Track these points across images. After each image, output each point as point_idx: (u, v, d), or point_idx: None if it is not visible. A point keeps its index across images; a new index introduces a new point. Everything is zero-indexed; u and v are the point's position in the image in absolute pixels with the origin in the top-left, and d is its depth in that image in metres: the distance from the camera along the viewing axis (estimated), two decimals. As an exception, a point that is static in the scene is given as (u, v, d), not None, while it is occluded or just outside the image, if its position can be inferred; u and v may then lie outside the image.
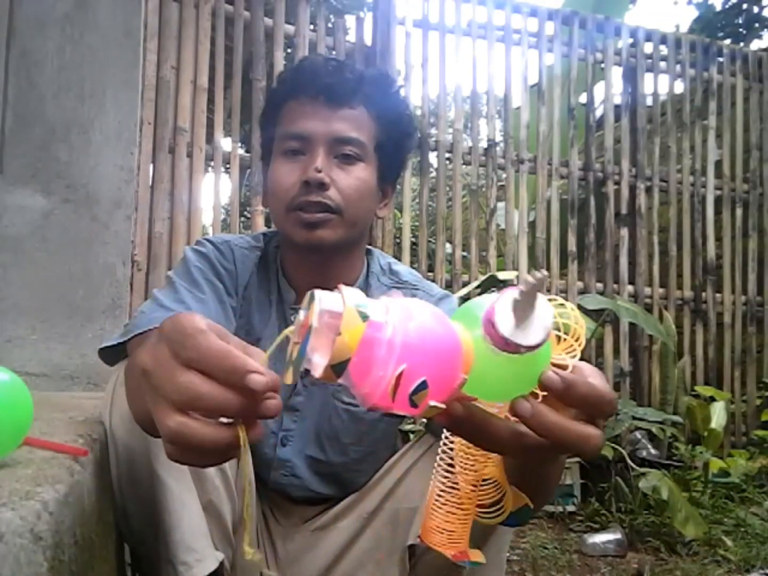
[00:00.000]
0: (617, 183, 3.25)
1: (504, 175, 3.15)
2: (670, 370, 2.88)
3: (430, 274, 2.88)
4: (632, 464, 2.39)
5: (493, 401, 0.45)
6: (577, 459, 2.35)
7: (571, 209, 3.15)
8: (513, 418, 0.44)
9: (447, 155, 3.04)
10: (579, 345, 0.45)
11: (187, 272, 0.89)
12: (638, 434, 2.69)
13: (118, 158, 1.51)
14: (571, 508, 2.44)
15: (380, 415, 0.94)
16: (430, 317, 0.39)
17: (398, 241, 3.23)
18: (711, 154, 3.40)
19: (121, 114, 1.52)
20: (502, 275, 2.77)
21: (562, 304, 0.43)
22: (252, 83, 2.70)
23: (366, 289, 0.97)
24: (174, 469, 0.69)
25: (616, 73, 3.34)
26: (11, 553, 0.38)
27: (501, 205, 3.26)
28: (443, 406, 0.38)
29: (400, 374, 0.36)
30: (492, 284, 2.71)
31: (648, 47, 3.36)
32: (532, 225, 3.16)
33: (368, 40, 2.95)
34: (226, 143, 2.74)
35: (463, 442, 0.52)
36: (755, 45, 6.33)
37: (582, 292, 3.09)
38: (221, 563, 0.70)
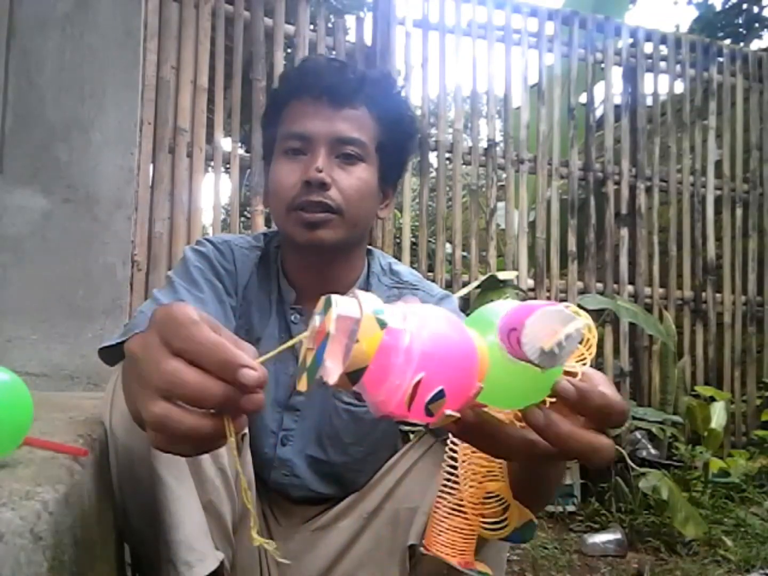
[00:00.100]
0: (617, 183, 3.25)
1: (504, 175, 3.15)
2: (670, 370, 2.88)
3: (430, 274, 2.87)
4: (632, 464, 2.39)
5: (506, 409, 0.45)
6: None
7: (571, 209, 3.15)
8: (520, 424, 0.44)
9: (447, 155, 3.03)
10: (590, 354, 0.45)
11: (187, 272, 0.89)
12: (638, 434, 2.69)
13: (118, 158, 1.51)
14: (571, 508, 2.44)
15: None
16: (447, 325, 0.38)
17: (398, 241, 3.23)
18: (711, 154, 3.40)
19: (121, 114, 1.51)
20: (502, 275, 2.77)
21: (576, 312, 0.43)
22: (252, 83, 2.70)
23: (366, 289, 0.97)
24: (174, 469, 0.69)
25: (616, 73, 3.34)
26: (11, 553, 0.38)
27: (501, 205, 3.26)
28: (458, 414, 0.38)
29: (418, 383, 0.36)
30: (492, 284, 2.71)
31: (648, 47, 3.36)
32: (532, 225, 3.16)
33: (368, 40, 2.95)
34: (226, 143, 2.74)
35: (468, 452, 0.52)
36: (755, 45, 6.34)
37: (582, 292, 3.09)
38: (221, 563, 0.70)
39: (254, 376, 0.38)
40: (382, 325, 0.36)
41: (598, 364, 2.99)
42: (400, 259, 2.34)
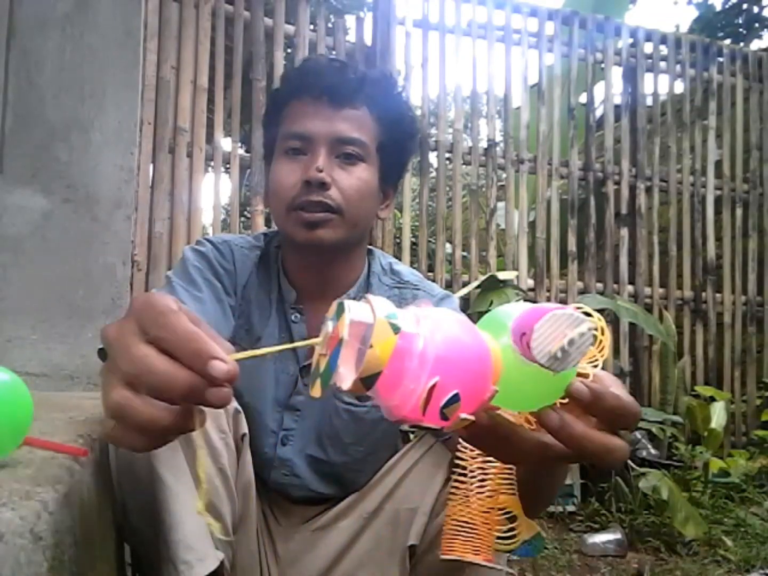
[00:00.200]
0: (617, 183, 3.25)
1: (504, 175, 3.15)
2: (670, 370, 2.88)
3: (430, 274, 2.88)
4: (632, 464, 2.39)
5: (520, 411, 0.45)
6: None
7: (571, 209, 3.15)
8: (530, 428, 0.44)
9: (447, 155, 3.04)
10: (602, 356, 0.45)
11: (185, 271, 0.89)
12: (638, 434, 2.69)
13: (118, 158, 1.51)
14: (571, 508, 2.44)
15: (381, 415, 0.93)
16: (460, 328, 0.38)
17: (398, 241, 3.23)
18: (711, 154, 3.40)
19: (121, 114, 1.51)
20: (502, 275, 2.77)
21: (589, 314, 0.43)
22: (252, 83, 2.70)
23: (367, 288, 0.97)
24: (174, 469, 0.69)
25: (616, 73, 3.34)
26: (11, 553, 0.38)
27: (501, 205, 3.26)
28: (473, 418, 0.38)
29: (433, 387, 0.36)
30: (492, 284, 2.71)
31: (648, 47, 3.36)
32: (532, 225, 3.16)
33: (368, 40, 2.95)
34: (226, 143, 2.74)
35: (477, 463, 0.51)
36: (755, 45, 6.34)
37: (582, 292, 3.09)
38: (221, 563, 0.70)
39: (224, 368, 0.38)
40: (396, 329, 0.36)
41: (598, 364, 2.98)
42: (400, 259, 2.34)
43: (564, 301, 2.93)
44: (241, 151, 2.75)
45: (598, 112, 3.37)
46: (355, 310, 0.37)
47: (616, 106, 3.33)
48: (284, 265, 0.97)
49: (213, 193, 2.64)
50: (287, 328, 0.94)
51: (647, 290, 3.24)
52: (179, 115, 2.52)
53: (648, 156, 3.30)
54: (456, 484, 0.54)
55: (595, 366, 0.45)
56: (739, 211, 3.43)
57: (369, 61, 2.87)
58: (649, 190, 3.30)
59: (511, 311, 0.41)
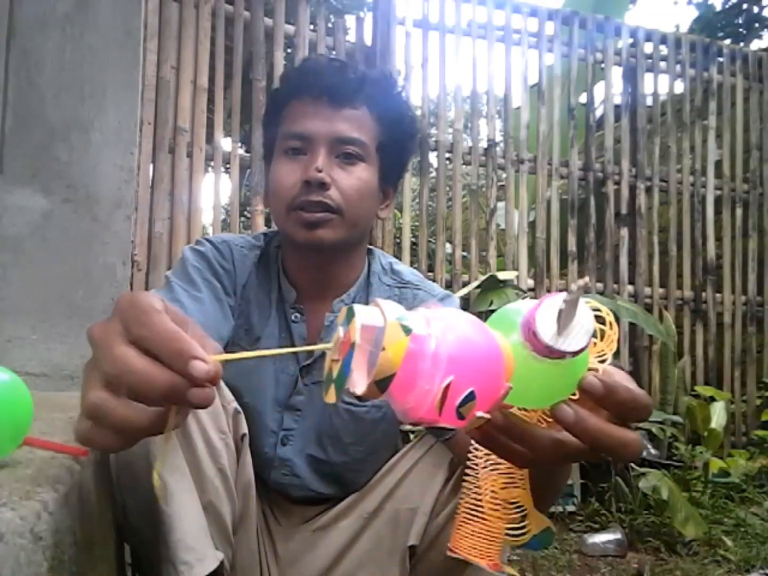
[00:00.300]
0: (617, 183, 3.25)
1: (504, 175, 3.15)
2: (670, 370, 2.88)
3: (430, 274, 2.88)
4: (632, 464, 2.39)
5: (534, 408, 0.45)
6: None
7: (571, 209, 3.15)
8: (541, 424, 0.44)
9: (447, 155, 3.04)
10: (610, 350, 0.45)
11: (185, 271, 0.89)
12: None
13: (118, 158, 1.51)
14: (571, 508, 2.44)
15: (382, 415, 0.94)
16: (471, 327, 0.39)
17: (398, 241, 3.23)
18: (711, 154, 3.40)
19: (121, 114, 1.51)
20: (502, 275, 2.77)
21: (597, 309, 0.43)
22: (252, 83, 2.70)
23: (367, 288, 0.97)
24: (174, 470, 0.69)
25: (616, 73, 3.34)
26: (11, 553, 0.38)
27: (501, 205, 3.26)
28: (488, 416, 0.38)
29: (448, 386, 0.36)
30: (492, 284, 2.71)
31: (648, 47, 3.36)
32: (532, 225, 3.16)
33: (368, 40, 2.95)
34: (226, 143, 2.74)
35: (489, 458, 0.51)
36: (755, 45, 6.34)
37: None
38: (221, 563, 0.70)
39: (204, 368, 0.37)
40: (407, 331, 0.36)
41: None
42: (400, 259, 2.33)
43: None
44: (241, 151, 2.75)
45: (598, 112, 3.37)
46: (365, 314, 0.37)
47: (616, 106, 3.33)
48: (284, 264, 0.97)
49: (213, 193, 2.64)
50: (287, 328, 0.94)
51: (647, 290, 3.24)
52: (179, 115, 2.52)
53: (648, 156, 3.30)
54: (467, 482, 0.54)
55: (604, 361, 0.45)
56: (739, 211, 3.43)
57: (369, 61, 2.87)
58: (649, 190, 3.30)
59: (519, 308, 0.41)
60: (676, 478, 2.41)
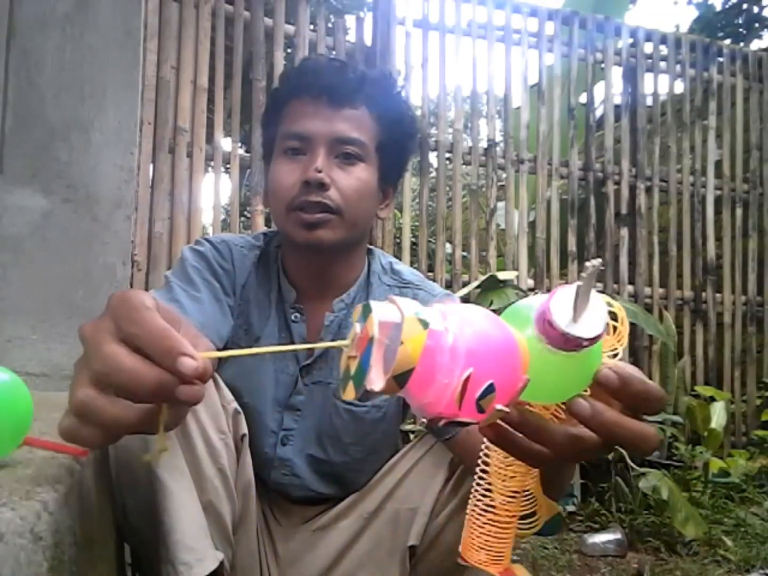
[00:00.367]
0: (617, 183, 3.25)
1: (504, 175, 3.15)
2: (670, 370, 2.88)
3: (430, 274, 2.87)
4: (632, 464, 2.39)
5: (548, 403, 0.45)
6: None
7: (571, 209, 3.15)
8: (553, 419, 0.44)
9: (447, 155, 3.03)
10: (621, 345, 0.45)
11: (184, 271, 0.89)
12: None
13: (118, 158, 1.51)
14: (571, 508, 2.44)
15: (382, 415, 0.94)
16: (487, 321, 0.38)
17: (398, 241, 3.23)
18: (711, 154, 3.40)
19: (121, 114, 1.51)
20: (502, 275, 2.77)
21: (609, 303, 0.43)
22: (252, 83, 2.70)
23: (367, 288, 0.97)
24: (173, 470, 0.69)
25: (616, 73, 3.34)
26: (11, 553, 0.38)
27: (501, 205, 3.26)
28: (508, 410, 0.38)
29: (467, 379, 0.36)
30: (492, 284, 2.71)
31: (648, 47, 3.36)
32: (532, 225, 3.16)
33: (368, 40, 2.95)
34: (226, 143, 2.74)
35: (499, 461, 0.51)
36: (755, 45, 6.34)
37: (582, 292, 3.08)
38: (221, 563, 0.70)
39: (192, 365, 0.37)
40: (425, 325, 0.36)
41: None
42: (400, 259, 2.33)
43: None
44: (241, 151, 2.75)
45: (598, 112, 3.37)
46: (382, 310, 0.37)
47: (616, 106, 3.33)
48: (284, 264, 0.97)
49: (213, 193, 2.64)
50: (287, 328, 0.94)
51: (647, 290, 3.24)
52: (179, 115, 2.52)
53: (648, 156, 3.30)
54: (479, 485, 0.53)
55: (615, 356, 0.45)
56: (739, 211, 3.43)
57: (369, 61, 2.87)
58: (649, 190, 3.30)
59: (531, 304, 0.41)
60: (676, 478, 2.41)
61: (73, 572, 0.47)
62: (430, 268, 2.93)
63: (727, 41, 4.97)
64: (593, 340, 0.39)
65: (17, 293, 1.42)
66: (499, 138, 3.14)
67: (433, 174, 3.55)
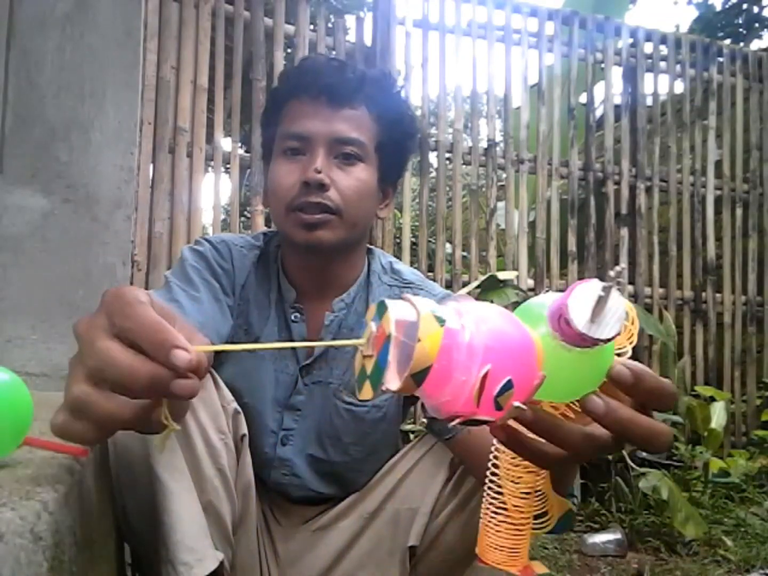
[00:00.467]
0: (617, 183, 3.25)
1: (504, 175, 3.15)
2: (670, 370, 2.88)
3: (430, 274, 2.87)
4: (632, 464, 2.38)
5: (562, 401, 0.45)
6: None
7: (571, 209, 3.15)
8: (562, 417, 0.43)
9: (447, 155, 3.03)
10: (630, 343, 0.45)
11: (183, 271, 0.89)
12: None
13: (118, 158, 1.51)
14: (571, 507, 2.44)
15: (382, 415, 0.94)
16: (502, 318, 0.38)
17: (398, 241, 3.23)
18: (711, 154, 3.40)
19: (121, 114, 1.51)
20: (502, 275, 2.77)
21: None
22: (252, 83, 2.70)
23: (367, 288, 0.97)
24: (173, 470, 0.69)
25: (616, 73, 3.34)
26: (11, 553, 0.38)
27: (501, 205, 3.26)
28: (525, 407, 0.38)
29: (485, 376, 0.35)
30: (492, 284, 2.71)
31: (648, 47, 3.36)
32: (532, 225, 3.16)
33: (368, 40, 2.95)
34: (226, 143, 2.74)
35: (508, 462, 0.50)
36: (755, 45, 6.34)
37: (582, 292, 3.08)
38: (221, 563, 0.70)
39: (186, 357, 0.37)
40: (441, 322, 0.36)
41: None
42: (400, 259, 2.33)
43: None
44: (241, 151, 2.75)
45: (598, 112, 3.37)
46: (398, 308, 0.37)
47: (616, 106, 3.33)
48: (284, 264, 0.97)
49: (213, 193, 2.64)
50: (287, 328, 0.94)
51: (647, 290, 3.24)
52: (179, 115, 2.52)
53: (648, 156, 3.30)
54: (490, 487, 0.53)
55: (624, 355, 0.45)
56: (739, 211, 3.43)
57: (369, 61, 2.87)
58: (649, 190, 3.30)
59: (543, 302, 0.41)
60: (676, 478, 2.41)
61: (73, 572, 0.47)
62: (430, 268, 2.93)
63: (727, 41, 4.97)
64: (609, 340, 0.38)
65: (17, 293, 1.42)
66: (499, 138, 3.14)
67: (433, 174, 3.55)
